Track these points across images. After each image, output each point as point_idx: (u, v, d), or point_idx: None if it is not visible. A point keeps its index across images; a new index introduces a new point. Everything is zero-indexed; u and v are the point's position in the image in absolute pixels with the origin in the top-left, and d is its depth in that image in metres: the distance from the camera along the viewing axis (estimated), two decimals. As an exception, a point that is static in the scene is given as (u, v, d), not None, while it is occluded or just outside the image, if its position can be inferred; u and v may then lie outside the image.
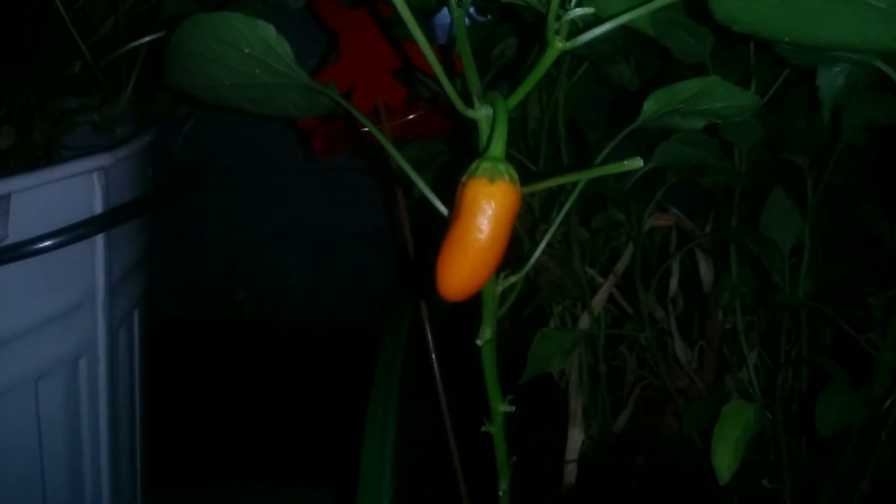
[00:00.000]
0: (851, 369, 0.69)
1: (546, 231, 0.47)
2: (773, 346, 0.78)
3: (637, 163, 0.35)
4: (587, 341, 0.77)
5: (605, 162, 0.53)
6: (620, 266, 0.77)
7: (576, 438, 0.69)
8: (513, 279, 0.47)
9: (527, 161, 0.81)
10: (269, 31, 0.47)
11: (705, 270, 0.78)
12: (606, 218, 0.74)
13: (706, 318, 0.80)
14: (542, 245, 0.47)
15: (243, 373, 1.31)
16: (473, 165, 0.38)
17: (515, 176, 0.38)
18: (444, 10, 0.78)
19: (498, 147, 0.39)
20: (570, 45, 0.39)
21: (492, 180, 0.37)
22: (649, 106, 0.46)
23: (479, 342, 0.48)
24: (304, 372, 1.31)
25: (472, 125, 0.44)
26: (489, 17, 0.97)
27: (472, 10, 0.96)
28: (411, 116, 0.81)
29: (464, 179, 0.39)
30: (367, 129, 0.69)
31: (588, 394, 0.80)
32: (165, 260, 1.25)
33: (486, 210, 0.37)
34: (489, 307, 0.47)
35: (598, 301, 0.77)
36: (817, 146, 0.72)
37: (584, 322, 0.77)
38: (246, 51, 0.49)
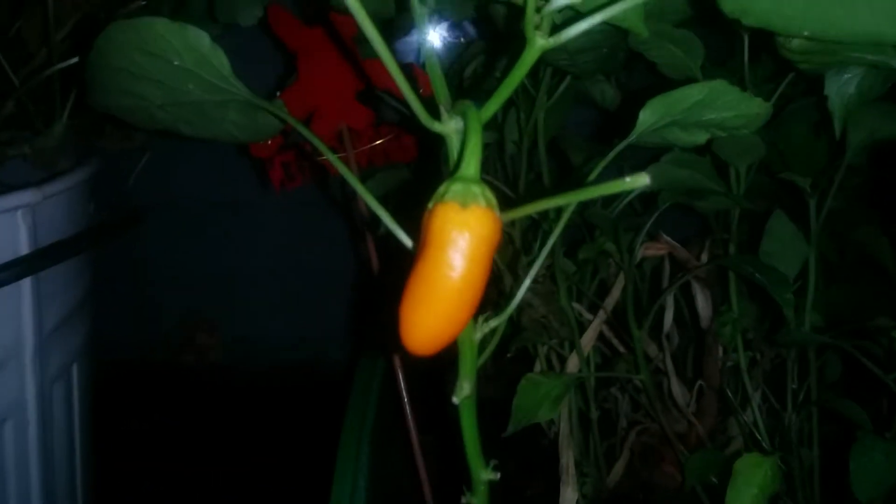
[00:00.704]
0: (868, 410, 0.63)
1: (530, 264, 0.40)
2: (777, 384, 0.72)
3: (642, 179, 0.28)
4: (577, 385, 0.70)
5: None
6: (611, 301, 0.70)
7: (569, 498, 0.61)
8: (494, 323, 0.40)
9: (505, 187, 0.74)
10: (201, 38, 0.40)
11: (703, 303, 0.71)
12: (595, 248, 0.68)
13: (704, 355, 0.73)
14: (527, 281, 0.40)
15: (205, 422, 1.22)
16: (442, 188, 0.32)
17: (493, 199, 0.31)
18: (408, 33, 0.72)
19: (471, 165, 0.32)
20: (552, 41, 0.32)
21: (465, 205, 0.31)
22: (646, 117, 0.39)
23: (455, 399, 0.40)
24: (271, 420, 1.22)
25: (440, 142, 0.37)
26: (461, 39, 0.91)
27: (444, 32, 0.90)
28: (378, 142, 0.75)
29: (431, 205, 0.32)
30: (324, 156, 0.62)
31: (579, 443, 0.73)
32: (119, 303, 1.17)
33: (459, 241, 0.31)
34: (467, 357, 0.40)
35: (588, 340, 0.70)
36: (818, 165, 0.67)
37: (573, 364, 0.70)
38: (175, 63, 0.42)
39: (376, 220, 0.77)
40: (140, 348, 1.26)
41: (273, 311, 1.27)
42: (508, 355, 0.75)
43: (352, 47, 0.71)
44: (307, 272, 1.23)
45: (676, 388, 0.74)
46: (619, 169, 0.71)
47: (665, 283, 0.75)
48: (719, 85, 0.38)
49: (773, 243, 0.66)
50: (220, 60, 0.41)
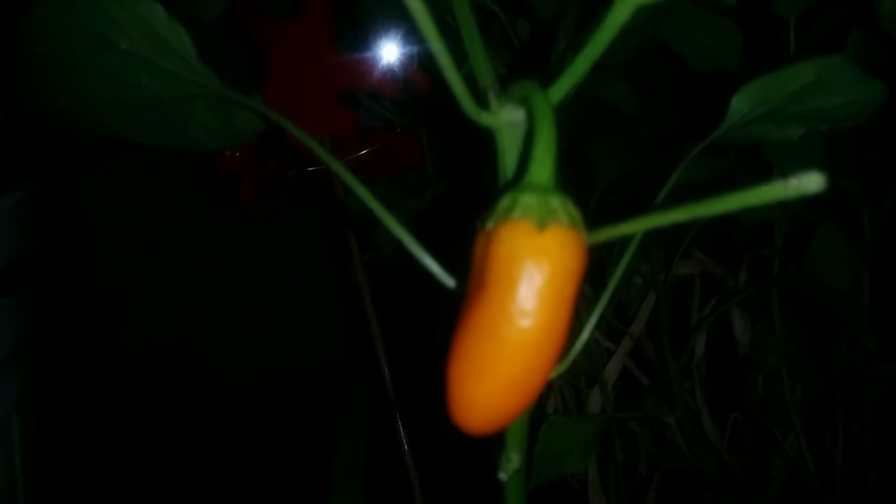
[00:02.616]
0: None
1: (598, 301, 0.31)
2: (820, 417, 0.64)
3: (815, 181, 0.19)
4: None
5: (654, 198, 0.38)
6: (637, 327, 0.61)
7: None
8: (554, 374, 0.30)
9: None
10: (155, 13, 0.31)
11: (741, 328, 0.63)
12: (628, 269, 0.59)
13: (741, 385, 0.65)
14: (594, 319, 0.31)
15: (170, 464, 1.10)
16: (505, 201, 0.22)
17: (578, 216, 0.22)
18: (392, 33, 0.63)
19: (544, 169, 0.23)
20: (647, -2, 0.24)
21: (542, 225, 0.21)
22: (739, 105, 0.31)
23: (502, 475, 0.31)
24: (240, 459, 1.11)
25: (484, 140, 0.28)
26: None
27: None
28: (364, 151, 0.65)
29: (489, 226, 0.22)
30: (314, 166, 0.53)
31: (598, 488, 0.64)
32: (68, 343, 1.05)
33: (535, 276, 0.21)
34: (518, 422, 0.31)
35: (612, 372, 0.61)
36: (873, 169, 0.59)
37: (596, 400, 0.61)
38: (123, 47, 0.32)
39: (365, 239, 0.68)
40: (98, 391, 1.14)
41: (246, 339, 1.15)
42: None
43: (330, 43, 0.62)
44: (279, 297, 1.12)
45: (708, 423, 0.66)
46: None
47: (695, 304, 0.66)
48: (836, 62, 0.30)
49: (821, 259, 0.58)
50: (182, 41, 0.31)
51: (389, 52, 0.62)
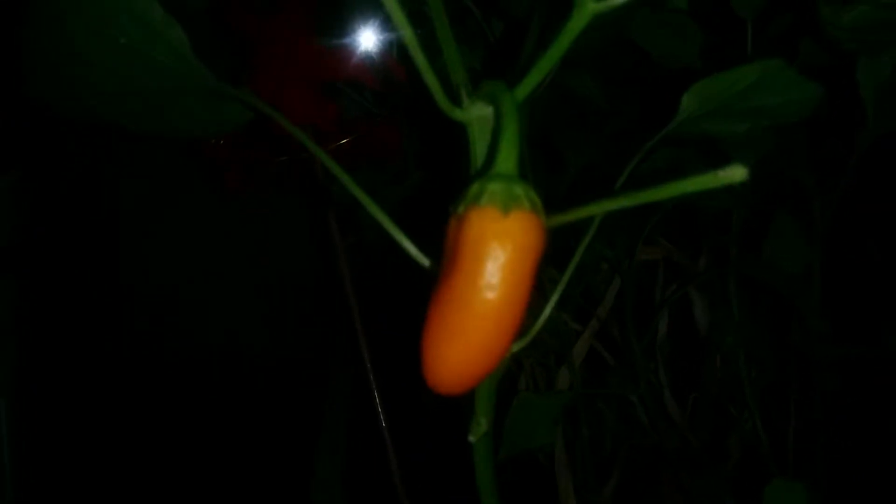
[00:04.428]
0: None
1: (559, 279, 0.34)
2: (773, 395, 0.68)
3: (739, 172, 0.22)
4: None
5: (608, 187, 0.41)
6: (604, 309, 0.64)
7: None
8: (516, 347, 0.33)
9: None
10: (152, 9, 0.33)
11: (701, 311, 0.67)
12: (594, 254, 0.62)
13: (701, 365, 0.69)
14: (556, 297, 0.34)
15: (154, 450, 1.12)
16: (474, 188, 0.25)
17: (538, 201, 0.25)
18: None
19: (509, 159, 0.26)
20: (603, 4, 0.26)
21: (506, 210, 0.24)
22: (689, 102, 0.34)
23: (472, 438, 0.34)
24: (221, 444, 1.13)
25: (457, 132, 0.30)
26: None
27: None
28: (344, 141, 0.68)
29: (459, 210, 0.25)
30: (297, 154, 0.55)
31: (565, 463, 0.67)
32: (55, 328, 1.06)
33: (500, 255, 0.24)
34: (484, 389, 0.34)
35: (580, 352, 0.65)
36: (824, 161, 0.63)
37: (564, 379, 0.65)
38: (122, 41, 0.35)
39: (347, 226, 0.71)
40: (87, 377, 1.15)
41: (227, 322, 1.17)
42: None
43: (312, 35, 0.64)
44: (266, 280, 1.14)
45: (670, 401, 0.70)
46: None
47: (658, 288, 0.69)
48: (775, 65, 0.33)
49: (776, 246, 0.62)
50: (177, 37, 0.34)
51: (370, 42, 0.65)
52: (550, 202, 0.27)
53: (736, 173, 0.23)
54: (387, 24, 0.68)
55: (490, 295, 0.24)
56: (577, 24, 0.26)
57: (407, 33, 0.26)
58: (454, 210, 0.26)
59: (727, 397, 0.67)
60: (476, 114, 0.29)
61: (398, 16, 0.25)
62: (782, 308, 0.65)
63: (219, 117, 0.40)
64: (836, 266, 0.64)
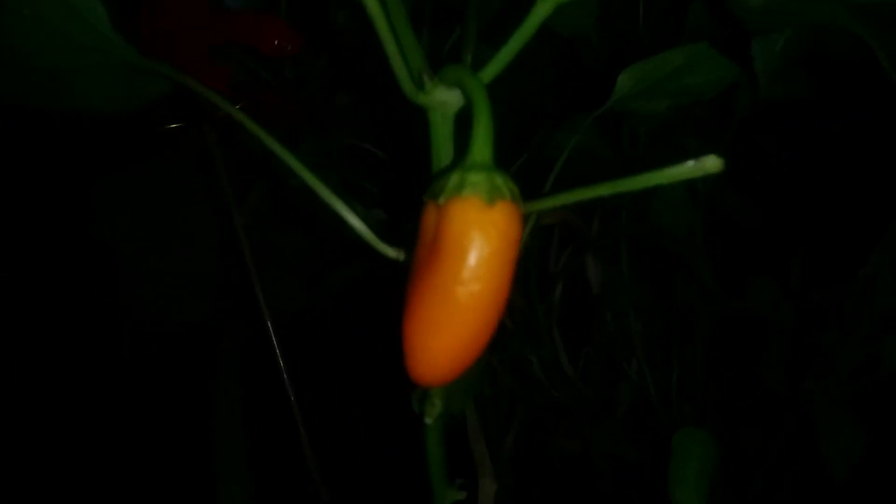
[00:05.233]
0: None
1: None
2: (659, 347, 0.73)
3: (712, 163, 0.24)
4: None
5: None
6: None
7: (488, 490, 0.57)
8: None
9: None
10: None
11: (594, 272, 0.70)
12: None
13: (593, 322, 0.72)
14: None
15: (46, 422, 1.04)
16: (453, 179, 0.25)
17: (517, 190, 0.26)
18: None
19: (485, 148, 0.26)
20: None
21: (491, 201, 0.24)
22: (624, 83, 0.35)
23: (427, 420, 0.34)
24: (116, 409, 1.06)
25: (416, 120, 0.30)
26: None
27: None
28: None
29: (440, 201, 0.25)
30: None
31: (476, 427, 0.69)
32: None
33: (485, 247, 0.24)
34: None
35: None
36: (711, 126, 0.67)
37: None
38: (27, 13, 0.31)
39: (243, 199, 0.68)
40: None
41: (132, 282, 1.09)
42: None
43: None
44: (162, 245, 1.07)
45: (564, 358, 0.73)
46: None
47: (553, 250, 0.72)
48: (701, 49, 0.35)
49: (663, 209, 0.66)
50: (96, 13, 0.31)
51: (263, 5, 0.62)
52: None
53: (709, 164, 0.24)
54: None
55: (476, 286, 0.25)
56: (542, 9, 0.27)
57: (373, 8, 0.25)
58: (432, 199, 0.26)
59: (617, 351, 0.71)
60: (438, 98, 0.29)
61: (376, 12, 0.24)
62: (667, 268, 0.70)
63: (132, 92, 0.37)
64: (715, 228, 0.69)
